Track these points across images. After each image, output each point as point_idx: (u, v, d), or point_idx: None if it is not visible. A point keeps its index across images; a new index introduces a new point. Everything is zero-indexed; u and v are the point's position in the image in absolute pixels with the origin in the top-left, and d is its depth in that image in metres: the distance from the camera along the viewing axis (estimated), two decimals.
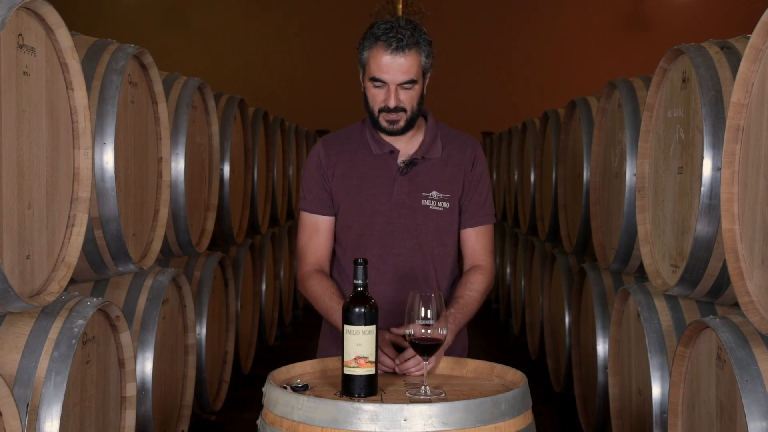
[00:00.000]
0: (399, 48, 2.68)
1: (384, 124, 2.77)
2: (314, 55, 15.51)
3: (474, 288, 2.80)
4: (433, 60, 2.83)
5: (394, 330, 2.64)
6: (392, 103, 2.72)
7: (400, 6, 12.23)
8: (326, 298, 2.77)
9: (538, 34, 15.61)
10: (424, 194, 2.82)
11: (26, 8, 2.60)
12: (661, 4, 15.81)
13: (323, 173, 2.86)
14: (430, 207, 2.82)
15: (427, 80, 2.82)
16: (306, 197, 2.89)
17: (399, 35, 2.69)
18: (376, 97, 2.75)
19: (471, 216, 2.89)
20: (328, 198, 2.86)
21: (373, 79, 2.73)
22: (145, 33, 14.75)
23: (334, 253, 2.92)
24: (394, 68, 2.70)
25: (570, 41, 15.56)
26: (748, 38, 2.56)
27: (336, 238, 2.89)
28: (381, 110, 2.75)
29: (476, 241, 2.89)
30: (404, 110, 2.75)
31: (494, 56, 15.56)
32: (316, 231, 2.88)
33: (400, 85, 2.72)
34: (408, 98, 2.74)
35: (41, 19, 2.70)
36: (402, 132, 2.80)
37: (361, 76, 2.82)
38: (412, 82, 2.73)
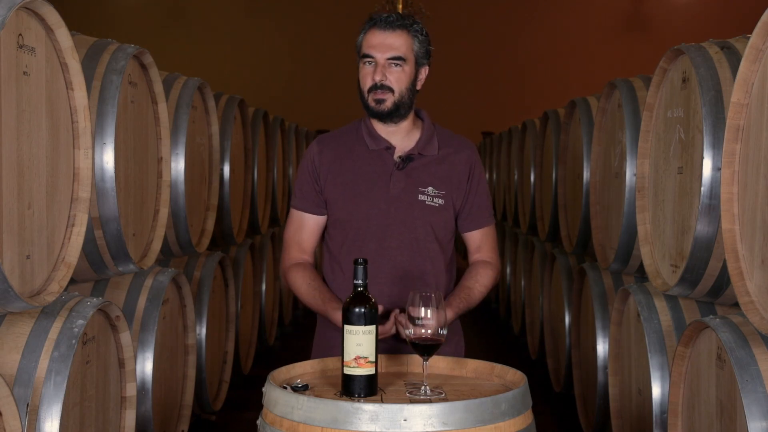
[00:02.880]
0: (388, 24, 2.79)
1: (371, 103, 2.81)
2: (314, 55, 15.52)
3: (482, 282, 2.86)
4: (430, 57, 2.88)
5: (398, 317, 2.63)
6: (378, 77, 2.77)
7: (400, 6, 12.27)
8: (310, 289, 2.83)
9: (538, 34, 15.62)
10: (420, 189, 2.84)
11: (26, 8, 2.60)
12: (661, 4, 15.81)
13: (315, 173, 2.89)
14: (426, 202, 2.84)
15: (422, 74, 2.86)
16: (297, 195, 2.95)
17: (390, 17, 2.81)
18: (366, 76, 2.81)
19: (474, 218, 2.92)
20: (317, 197, 2.90)
21: (364, 56, 2.80)
22: (145, 33, 14.76)
23: (329, 250, 2.93)
24: (382, 44, 2.78)
25: (570, 41, 15.57)
26: (748, 38, 2.56)
27: (331, 234, 2.91)
28: (369, 89, 2.80)
29: (482, 240, 2.94)
30: (391, 90, 2.79)
31: (494, 56, 15.57)
32: (302, 227, 2.93)
33: (389, 61, 2.78)
34: (396, 78, 2.79)
35: (41, 19, 2.70)
36: (389, 115, 2.82)
37: (357, 65, 2.88)
38: (400, 59, 2.78)
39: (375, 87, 2.78)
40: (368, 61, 2.80)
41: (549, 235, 6.10)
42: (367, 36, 2.81)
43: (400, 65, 2.79)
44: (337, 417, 2.08)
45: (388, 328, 2.64)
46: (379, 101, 2.79)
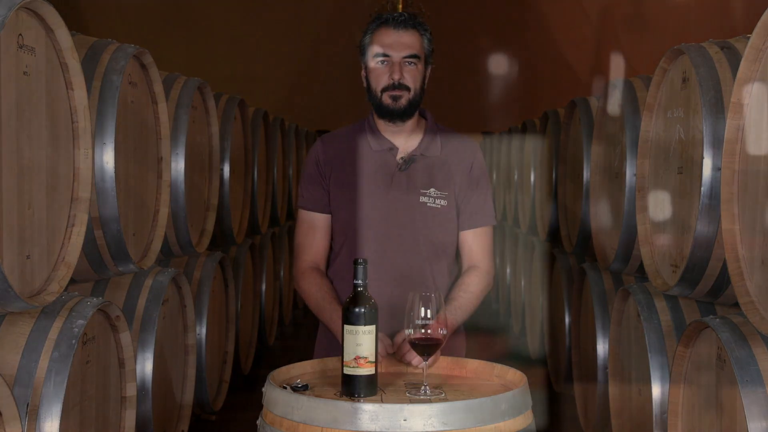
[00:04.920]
0: (402, 23, 2.80)
1: (387, 101, 2.80)
2: (314, 55, 15.51)
3: (469, 290, 2.82)
4: (433, 54, 2.88)
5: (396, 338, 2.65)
6: (396, 76, 2.77)
7: (400, 6, 12.28)
8: (319, 298, 2.81)
9: (538, 33, 15.62)
10: (422, 191, 2.83)
11: (26, 8, 2.60)
12: (661, 4, 15.81)
13: (321, 172, 2.89)
14: (428, 204, 2.83)
15: (429, 72, 2.88)
16: (303, 195, 2.93)
17: (401, 15, 2.82)
18: (381, 75, 2.80)
19: (469, 217, 2.90)
20: (325, 196, 2.89)
21: (378, 55, 2.80)
22: (145, 33, 14.74)
23: (331, 249, 2.93)
24: (398, 43, 2.79)
25: (570, 41, 15.56)
26: (748, 38, 2.56)
27: (333, 234, 2.90)
28: (385, 89, 2.80)
29: (473, 242, 2.90)
30: (407, 88, 2.79)
31: (494, 56, 15.57)
32: (313, 228, 2.91)
33: (404, 59, 2.78)
34: (411, 76, 2.80)
35: (41, 19, 2.70)
36: (404, 113, 2.82)
37: (363, 65, 2.87)
38: (416, 57, 2.80)
39: (393, 86, 2.78)
40: (382, 60, 2.79)
41: (549, 235, 6.10)
42: (378, 35, 2.81)
43: (415, 63, 2.80)
44: (337, 417, 2.08)
45: (387, 344, 2.62)
46: (396, 98, 2.79)
